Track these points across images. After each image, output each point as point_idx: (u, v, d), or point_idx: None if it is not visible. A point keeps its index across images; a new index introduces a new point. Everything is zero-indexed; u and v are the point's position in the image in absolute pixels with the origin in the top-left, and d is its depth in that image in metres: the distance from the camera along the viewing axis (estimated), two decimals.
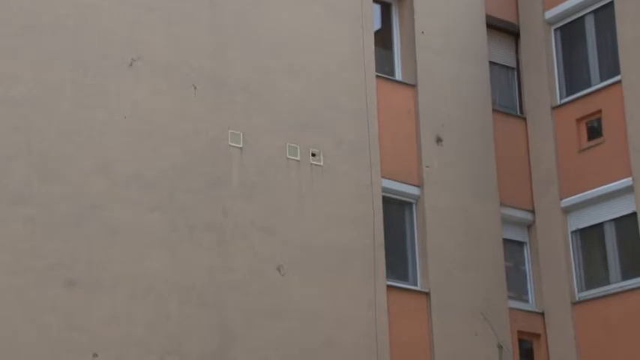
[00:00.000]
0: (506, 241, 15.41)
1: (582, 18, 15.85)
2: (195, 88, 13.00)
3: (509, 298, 15.11)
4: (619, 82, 14.97)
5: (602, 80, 15.40)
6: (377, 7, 15.44)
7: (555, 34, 16.16)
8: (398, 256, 14.52)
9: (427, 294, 14.34)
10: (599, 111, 15.27)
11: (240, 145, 13.17)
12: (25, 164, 11.64)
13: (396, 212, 14.72)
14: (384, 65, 15.12)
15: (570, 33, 16.02)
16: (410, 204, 14.81)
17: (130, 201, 12.15)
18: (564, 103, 15.80)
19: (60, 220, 11.67)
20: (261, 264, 12.95)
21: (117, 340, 11.64)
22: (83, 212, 11.83)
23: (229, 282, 12.62)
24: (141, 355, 11.74)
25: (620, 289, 14.65)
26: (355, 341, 13.34)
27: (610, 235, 15.05)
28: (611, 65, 15.33)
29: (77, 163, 11.94)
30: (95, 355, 11.47)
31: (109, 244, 11.90)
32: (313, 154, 13.79)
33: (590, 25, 15.77)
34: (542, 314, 15.32)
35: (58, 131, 11.92)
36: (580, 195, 15.24)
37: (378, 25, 15.41)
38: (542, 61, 16.07)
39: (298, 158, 13.68)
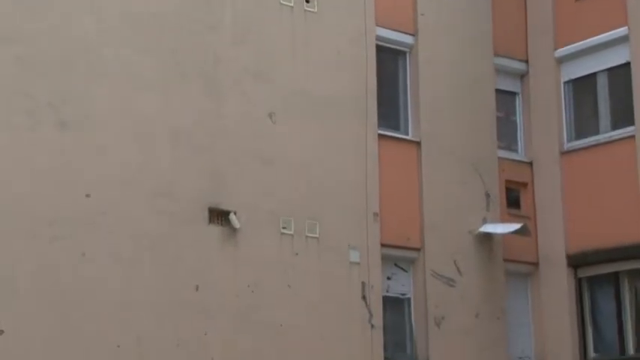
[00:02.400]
0: (498, 91, 15.45)
1: None
2: None
3: (499, 148, 15.27)
4: None
5: None
6: None
7: None
8: (390, 105, 14.57)
9: (418, 143, 14.48)
10: None
11: None
12: (11, 1, 11.50)
13: (390, 61, 14.69)
14: None
15: None
16: (403, 53, 14.76)
17: (119, 42, 12.09)
18: None
19: (49, 60, 11.62)
20: (253, 110, 13.01)
21: (108, 180, 11.80)
22: (72, 53, 11.78)
23: (220, 127, 12.71)
24: (131, 196, 11.92)
25: (609, 139, 14.80)
26: (345, 189, 13.54)
27: (602, 86, 15.08)
28: None
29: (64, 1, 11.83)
30: (88, 195, 11.66)
31: (99, 85, 11.90)
32: (307, 0, 13.67)
33: None
34: (531, 164, 15.51)
35: None
36: (575, 45, 15.18)
37: None
38: None
39: (292, 4, 13.56)
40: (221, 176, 12.61)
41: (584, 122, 15.29)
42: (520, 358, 14.94)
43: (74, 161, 11.63)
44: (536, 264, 15.24)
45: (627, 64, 14.59)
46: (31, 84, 11.49)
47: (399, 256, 14.07)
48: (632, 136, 14.40)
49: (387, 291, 13.90)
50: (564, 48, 15.32)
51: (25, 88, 11.44)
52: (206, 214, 12.41)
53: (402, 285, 14.13)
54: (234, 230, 12.56)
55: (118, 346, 11.52)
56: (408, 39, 14.67)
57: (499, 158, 15.16)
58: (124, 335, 11.58)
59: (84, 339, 11.33)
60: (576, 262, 14.91)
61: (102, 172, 11.77)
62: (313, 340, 12.83)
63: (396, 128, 14.53)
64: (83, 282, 11.45)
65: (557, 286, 14.95)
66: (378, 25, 14.27)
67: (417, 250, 14.15)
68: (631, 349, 14.43)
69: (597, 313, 14.91)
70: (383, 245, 13.72)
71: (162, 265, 12.00)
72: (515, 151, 15.70)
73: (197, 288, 12.18)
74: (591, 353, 14.78)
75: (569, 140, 15.29)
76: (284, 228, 12.96)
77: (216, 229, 12.48)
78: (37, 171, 11.39)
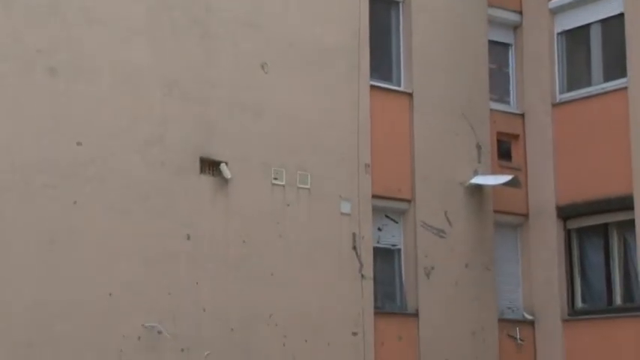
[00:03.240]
0: (491, 42, 15.39)
1: None
2: None
3: (491, 99, 15.26)
4: None
5: None
6: None
7: None
8: (382, 56, 14.51)
9: (410, 94, 14.45)
10: None
11: None
12: None
13: (383, 11, 14.60)
14: None
15: None
16: (396, 3, 14.66)
17: None
18: None
19: (38, 6, 11.50)
20: (245, 60, 12.95)
21: (100, 129, 11.77)
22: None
23: (212, 77, 12.65)
24: (123, 145, 11.89)
25: (601, 91, 14.81)
26: (337, 140, 13.53)
27: (595, 37, 15.05)
28: None
29: None
30: (79, 143, 11.64)
31: (90, 33, 11.81)
32: None
33: None
34: (523, 116, 15.52)
35: None
36: None
37: None
38: None
39: None
40: (212, 126, 12.59)
41: (576, 74, 15.28)
42: (509, 308, 15.09)
43: (64, 109, 11.58)
44: (525, 215, 15.32)
45: (621, 15, 14.54)
46: (19, 30, 11.38)
47: (389, 207, 14.13)
48: (625, 88, 14.40)
49: (378, 242, 13.98)
50: None
51: (13, 34, 11.34)
52: (197, 164, 12.42)
53: (392, 236, 14.21)
54: (225, 181, 12.58)
55: (110, 294, 11.59)
56: None
57: (491, 110, 15.17)
58: (115, 283, 11.64)
59: (75, 287, 11.38)
60: (566, 213, 15.01)
61: (92, 120, 11.73)
62: (304, 291, 12.93)
63: (388, 79, 14.50)
64: (74, 230, 11.48)
65: (546, 238, 15.06)
66: None
67: (408, 201, 14.20)
68: (618, 300, 14.59)
69: (586, 265, 15.04)
70: (374, 196, 13.76)
71: (154, 214, 12.03)
72: (508, 102, 15.70)
73: (188, 237, 12.23)
74: (579, 303, 14.94)
75: (562, 92, 15.29)
76: (275, 179, 12.98)
77: (207, 180, 12.50)
78: (26, 118, 11.34)
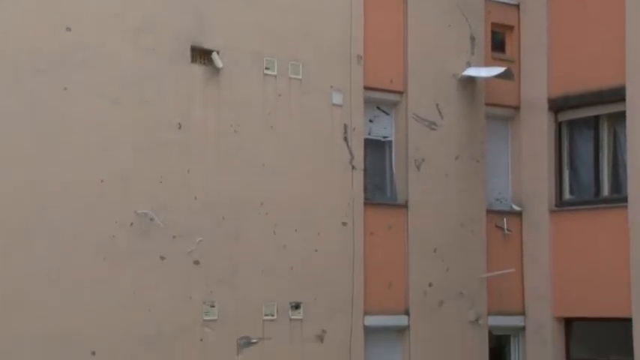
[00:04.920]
0: None
1: None
2: None
3: None
4: None
5: None
6: None
7: None
8: None
9: None
10: None
11: None
12: None
13: None
14: None
15: None
16: None
17: None
18: None
19: None
20: None
21: (90, 14, 11.64)
22: None
23: None
24: (113, 32, 11.80)
25: None
26: (330, 31, 13.40)
27: None
28: None
29: None
30: (68, 28, 11.49)
31: None
32: None
33: None
34: (518, 6, 15.35)
35: None
36: None
37: None
38: None
39: None
40: (205, 15, 12.46)
41: None
42: (497, 199, 15.25)
43: None
44: (517, 108, 15.34)
45: None
46: None
47: (381, 98, 14.12)
48: None
49: (369, 133, 14.02)
50: None
51: None
52: (188, 52, 12.34)
53: (383, 128, 14.25)
54: (216, 70, 12.53)
55: (102, 181, 11.70)
56: None
57: (485, 1, 15.00)
58: (106, 171, 11.71)
59: (66, 173, 11.46)
60: (557, 105, 15.03)
61: (82, 4, 11.61)
62: (294, 181, 13.03)
63: None
64: (64, 116, 11.49)
65: (537, 130, 15.11)
66: None
67: (400, 93, 14.19)
68: (606, 191, 14.75)
69: (575, 157, 15.14)
70: (366, 88, 13.73)
71: (144, 102, 12.01)
72: None
73: (179, 126, 12.27)
74: (567, 195, 15.10)
75: None
76: (267, 69, 12.93)
77: (198, 69, 12.46)
78: (14, 2, 11.19)
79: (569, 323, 14.79)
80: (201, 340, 12.22)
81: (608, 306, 14.05)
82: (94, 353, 11.46)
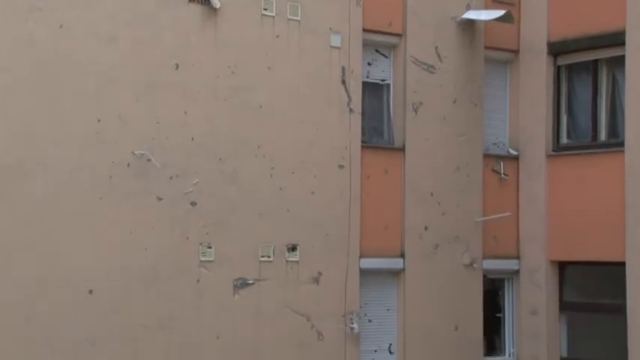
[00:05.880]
0: None
1: None
2: None
3: None
4: None
5: None
6: None
7: None
8: None
9: None
10: None
11: None
12: None
13: None
14: None
15: None
16: None
17: None
18: None
19: None
20: None
21: None
22: None
23: None
24: None
25: None
26: None
27: None
28: None
29: None
30: None
31: None
32: None
33: None
34: None
35: None
36: None
37: None
38: None
39: None
40: None
41: None
42: (494, 144, 15.24)
43: None
44: (516, 51, 15.25)
45: None
46: None
47: (380, 41, 14.02)
48: None
49: (367, 76, 13.95)
50: None
51: None
52: None
53: (382, 71, 14.17)
54: (214, 10, 12.42)
55: (99, 121, 11.67)
56: None
57: None
58: (103, 110, 11.69)
59: (62, 112, 11.44)
60: (557, 49, 14.95)
61: None
62: (292, 123, 13.00)
63: None
64: (61, 55, 11.43)
65: (535, 74, 15.03)
66: None
67: (399, 35, 14.09)
68: (603, 136, 14.74)
69: (573, 101, 15.11)
70: (364, 30, 13.63)
71: (141, 42, 11.94)
72: None
73: (177, 67, 12.20)
74: (564, 139, 15.09)
75: None
76: (265, 9, 12.83)
77: (196, 9, 12.35)
78: None
79: (563, 267, 14.89)
80: (198, 280, 12.30)
81: (603, 250, 14.13)
82: (91, 292, 11.54)
